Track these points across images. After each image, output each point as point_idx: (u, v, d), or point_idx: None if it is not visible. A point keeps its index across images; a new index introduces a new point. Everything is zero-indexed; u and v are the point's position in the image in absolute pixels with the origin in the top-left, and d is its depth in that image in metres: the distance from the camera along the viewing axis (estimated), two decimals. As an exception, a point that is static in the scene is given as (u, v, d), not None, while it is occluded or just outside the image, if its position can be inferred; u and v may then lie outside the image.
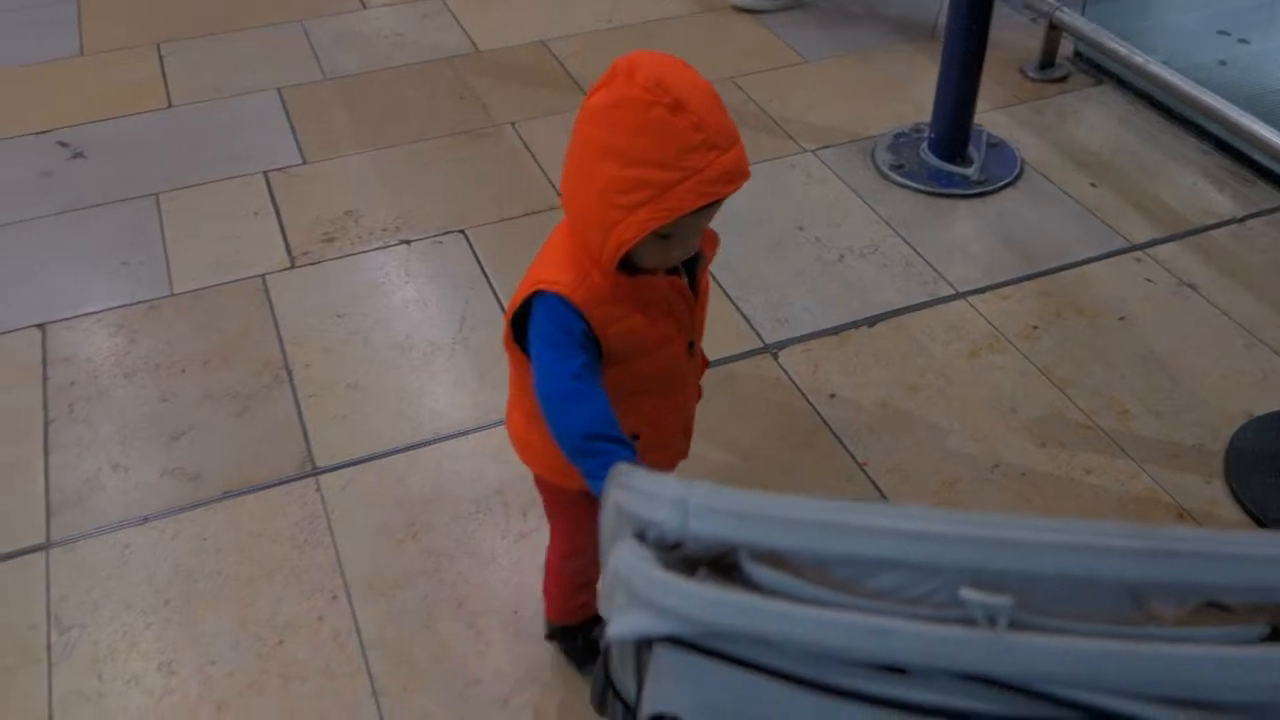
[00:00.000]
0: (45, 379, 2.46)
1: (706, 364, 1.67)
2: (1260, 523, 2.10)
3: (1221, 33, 3.59)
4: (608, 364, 1.43)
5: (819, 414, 2.35)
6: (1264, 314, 2.57)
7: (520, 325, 1.43)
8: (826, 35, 3.79)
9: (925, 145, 3.13)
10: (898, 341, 2.53)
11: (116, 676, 1.90)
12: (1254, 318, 2.56)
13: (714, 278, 2.67)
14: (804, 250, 2.80)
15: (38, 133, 3.32)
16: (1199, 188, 3.01)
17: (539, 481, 1.68)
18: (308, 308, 2.65)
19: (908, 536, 0.72)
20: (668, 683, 0.81)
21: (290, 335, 2.57)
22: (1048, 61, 3.52)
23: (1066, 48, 3.55)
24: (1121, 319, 2.57)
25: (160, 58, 3.69)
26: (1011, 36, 3.64)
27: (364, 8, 4.01)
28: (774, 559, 0.77)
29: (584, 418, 1.33)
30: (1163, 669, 0.68)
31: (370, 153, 3.22)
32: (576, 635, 1.88)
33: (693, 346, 1.54)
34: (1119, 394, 2.38)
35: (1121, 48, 3.26)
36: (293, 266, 2.79)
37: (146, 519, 2.16)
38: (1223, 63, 3.40)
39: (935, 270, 2.73)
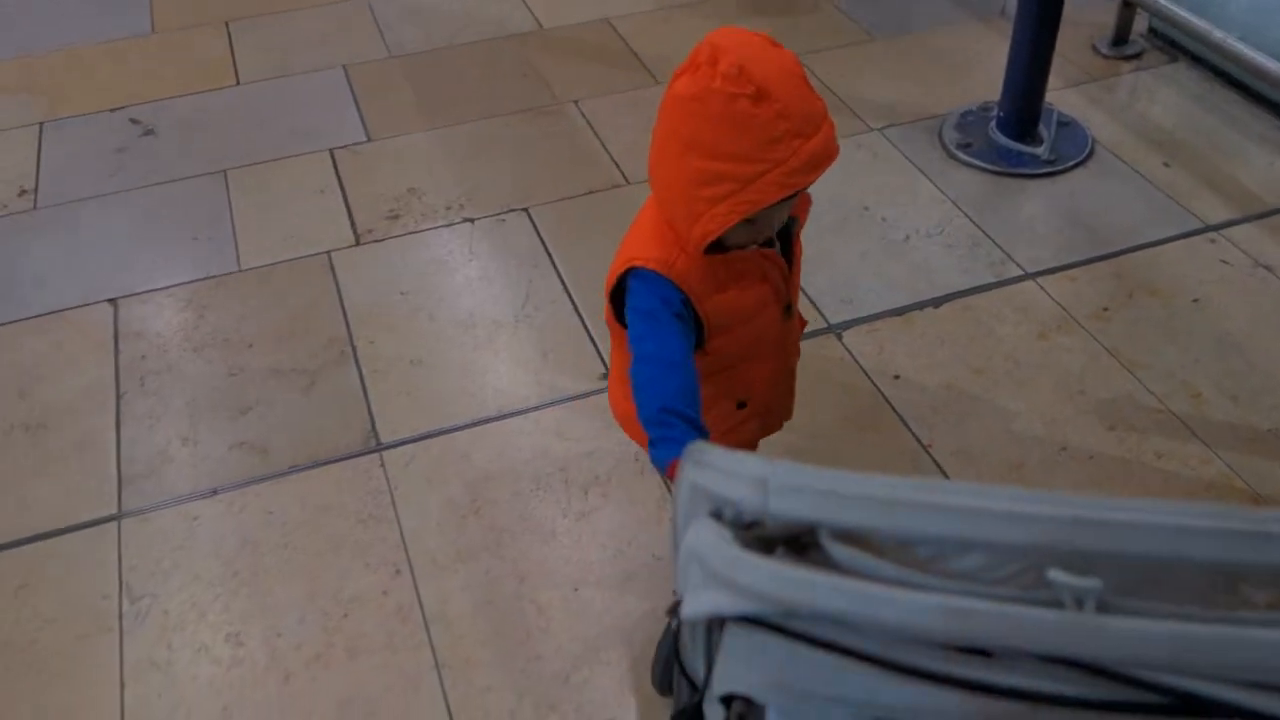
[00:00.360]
0: (117, 353, 2.51)
1: (804, 324, 1.68)
2: (1339, 510, 2.05)
3: (1302, 8, 3.49)
4: (708, 335, 1.44)
5: (883, 395, 2.33)
6: (1344, 297, 2.50)
7: (618, 302, 1.45)
8: (894, 12, 3.74)
9: (994, 124, 3.08)
10: (964, 323, 2.49)
11: (186, 646, 1.93)
12: (1333, 301, 2.50)
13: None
14: (870, 230, 2.77)
15: (111, 110, 3.37)
16: (1276, 167, 2.93)
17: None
18: (372, 284, 2.68)
19: (995, 516, 0.70)
20: (741, 663, 0.80)
21: (355, 312, 2.59)
22: (1121, 38, 3.44)
23: (1141, 23, 3.47)
24: (1195, 301, 2.52)
25: (229, 36, 3.73)
26: (1084, 12, 3.56)
27: (428, -14, 4.03)
28: (854, 538, 0.75)
29: (668, 391, 1.34)
30: (1255, 653, 0.66)
31: (434, 130, 3.23)
32: None
33: (789, 309, 1.55)
34: (1192, 377, 2.33)
35: (1198, 23, 3.18)
36: (357, 243, 2.81)
37: (215, 491, 2.19)
38: (1303, 39, 3.31)
39: (1003, 251, 2.69)
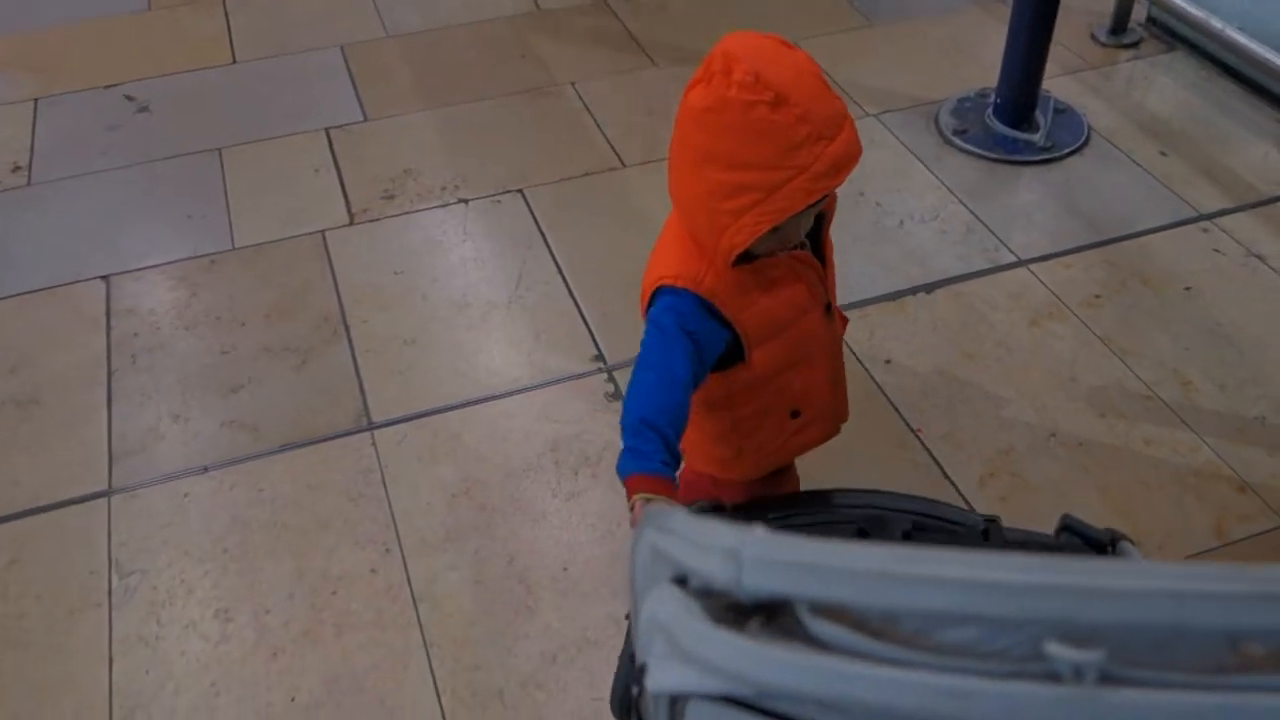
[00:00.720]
0: (109, 330, 2.51)
1: (846, 322, 1.64)
2: (1324, 499, 2.06)
3: (1302, -2, 3.48)
4: (749, 347, 1.41)
5: (874, 380, 2.33)
6: (1336, 287, 2.51)
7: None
8: (892, -3, 3.73)
9: (990, 110, 3.07)
10: (956, 309, 2.50)
11: (174, 621, 1.94)
12: (1325, 291, 2.50)
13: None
14: (864, 215, 2.77)
15: (105, 86, 3.37)
16: (1271, 157, 2.93)
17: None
18: (366, 264, 2.68)
19: (988, 588, 0.64)
20: None
21: (349, 291, 2.59)
22: (1119, 26, 3.44)
23: (1140, 12, 3.46)
24: (1187, 289, 2.52)
25: (226, 13, 3.72)
26: (1082, 0, 3.56)
27: (426, -34, 4.01)
28: (835, 612, 0.70)
29: (656, 404, 1.32)
30: None
31: (431, 111, 3.22)
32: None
33: (830, 309, 1.51)
34: (1182, 365, 2.33)
35: (1197, 12, 3.18)
36: (352, 223, 2.81)
37: (206, 469, 2.20)
38: (1302, 29, 3.30)
39: (997, 237, 2.69)
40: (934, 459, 2.17)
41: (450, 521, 2.08)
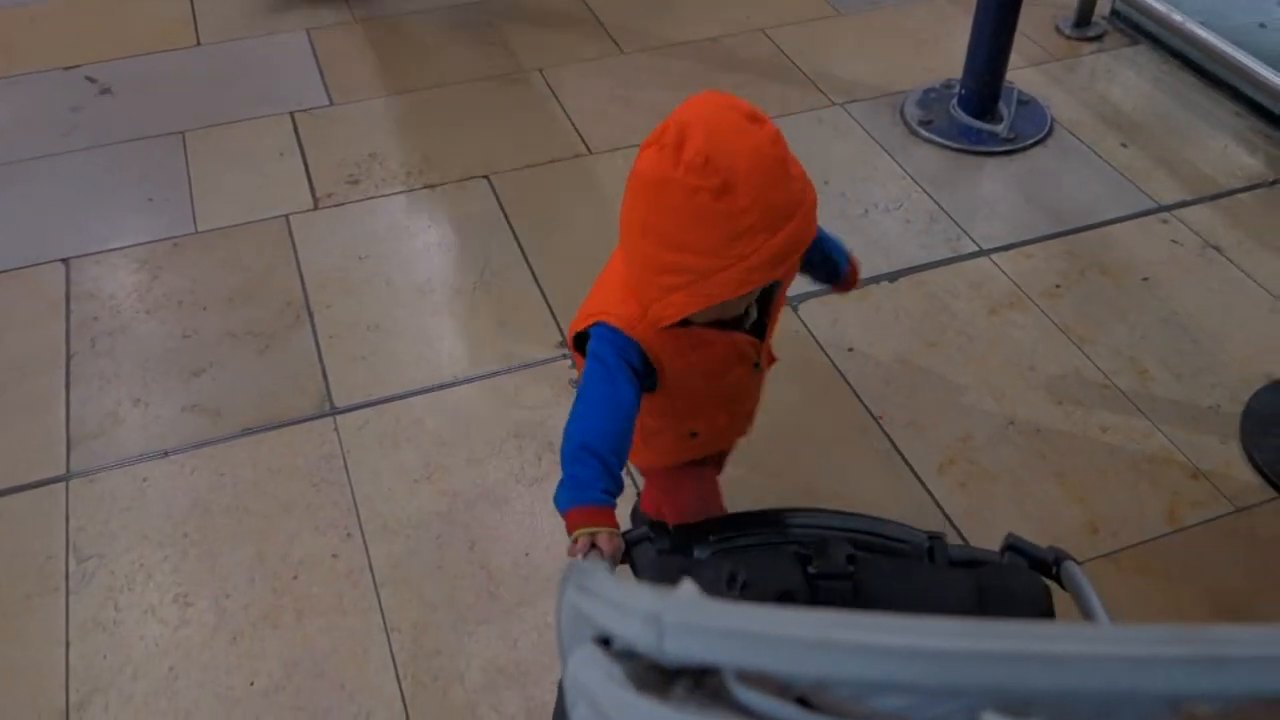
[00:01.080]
0: (68, 313, 2.49)
1: (774, 361, 1.59)
2: (1272, 483, 2.09)
3: (1262, -7, 3.52)
4: (666, 385, 1.39)
5: (836, 367, 2.34)
6: (1291, 279, 2.54)
7: (582, 343, 1.39)
8: (859, -13, 3.74)
9: (955, 101, 3.09)
10: (919, 297, 2.51)
11: (133, 606, 1.93)
12: (1279, 281, 2.54)
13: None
14: (829, 204, 2.78)
15: (66, 68, 3.33)
16: (1230, 150, 2.97)
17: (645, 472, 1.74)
18: (331, 249, 2.66)
19: (920, 656, 0.61)
20: None
21: (312, 276, 2.58)
22: (1083, 19, 3.46)
23: (1104, 5, 3.49)
24: (1145, 280, 2.55)
25: (189, -4, 3.69)
26: (1047, -8, 3.59)
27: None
28: (765, 679, 0.68)
29: (599, 431, 1.29)
30: None
31: (396, 96, 3.21)
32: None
33: (759, 365, 1.47)
34: (1139, 354, 2.36)
35: (1159, 6, 3.22)
36: (316, 208, 2.79)
37: (166, 453, 2.18)
38: (1262, 25, 3.34)
39: (960, 227, 2.71)
40: (894, 446, 2.18)
41: (412, 507, 2.08)
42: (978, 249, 2.64)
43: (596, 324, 1.34)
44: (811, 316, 2.45)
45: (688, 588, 0.69)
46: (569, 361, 2.34)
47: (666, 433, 1.53)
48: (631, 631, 0.68)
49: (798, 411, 2.24)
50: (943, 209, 2.77)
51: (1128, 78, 3.29)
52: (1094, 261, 2.60)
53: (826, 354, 2.37)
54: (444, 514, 2.07)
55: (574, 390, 2.18)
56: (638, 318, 1.29)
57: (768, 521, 1.41)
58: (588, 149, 2.96)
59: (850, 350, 2.38)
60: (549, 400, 2.26)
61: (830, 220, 2.71)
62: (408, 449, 2.18)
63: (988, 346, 2.39)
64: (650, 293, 1.24)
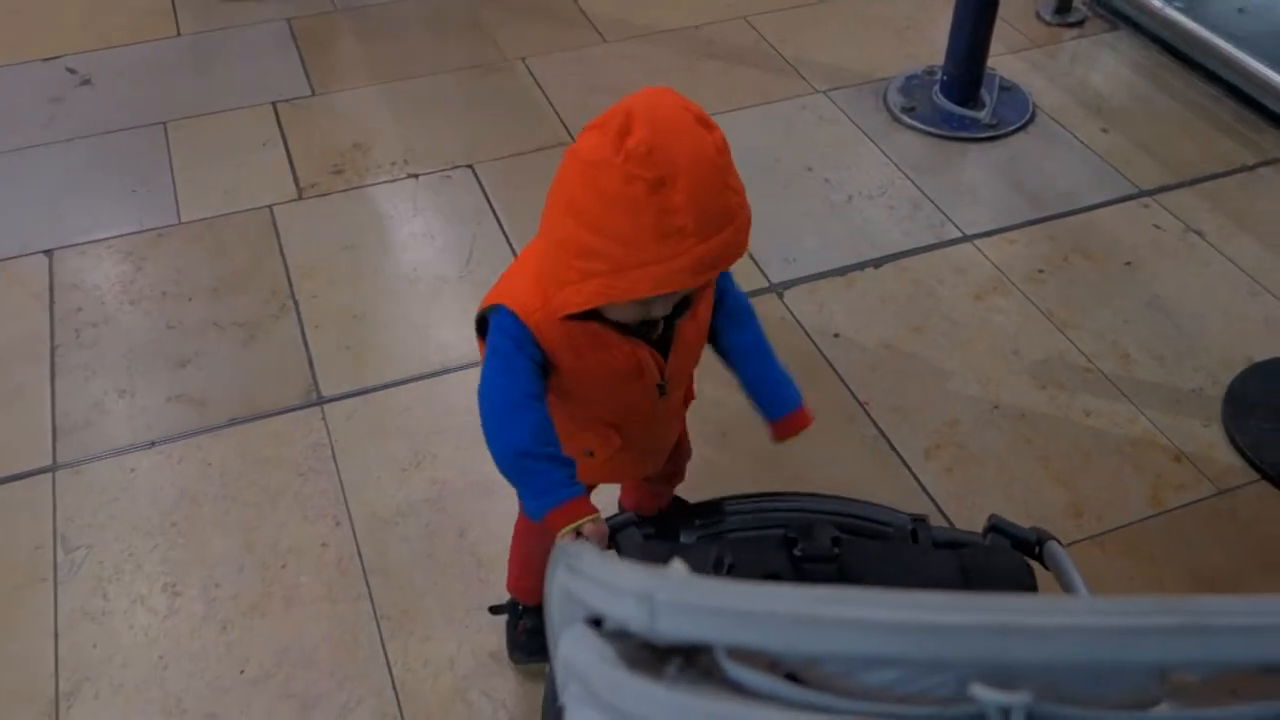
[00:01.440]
0: (52, 304, 2.48)
1: (692, 398, 1.53)
2: (1254, 465, 2.11)
3: (1241, -21, 3.54)
4: (563, 395, 1.35)
5: (822, 353, 2.35)
6: (1270, 261, 2.56)
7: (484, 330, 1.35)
8: (841, -25, 3.75)
9: (937, 88, 3.10)
10: (903, 283, 2.53)
11: (122, 596, 1.93)
12: (1260, 265, 2.55)
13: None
14: (813, 191, 2.79)
15: (46, 59, 3.31)
16: (1210, 135, 2.99)
17: None
18: (315, 239, 2.66)
19: (909, 629, 0.62)
20: None
21: (297, 266, 2.58)
22: (1064, 5, 3.47)
23: (1084, -9, 3.52)
24: (1128, 264, 2.57)
25: (169, -14, 3.67)
26: (1028, -21, 3.60)
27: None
28: (755, 655, 0.68)
29: (518, 435, 1.26)
30: None
31: (379, 85, 3.20)
32: (521, 617, 1.80)
33: (664, 388, 1.38)
34: (1122, 338, 2.38)
35: (1139, -9, 3.23)
36: (300, 198, 2.79)
37: (153, 444, 2.18)
38: (1241, 10, 3.36)
39: (943, 213, 2.72)
40: (880, 431, 2.20)
41: (401, 495, 2.08)
42: (961, 235, 2.66)
43: (495, 307, 1.30)
44: (798, 303, 2.46)
45: (678, 567, 0.69)
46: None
47: (570, 439, 1.43)
48: (624, 611, 0.68)
49: (784, 397, 2.25)
50: (926, 195, 2.78)
51: (1108, 64, 3.30)
52: (1076, 246, 2.62)
53: (812, 340, 2.38)
54: (433, 502, 2.07)
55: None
56: (537, 306, 1.25)
57: (752, 506, 1.42)
58: (571, 137, 2.93)
59: (836, 336, 2.39)
60: (536, 388, 2.27)
61: (814, 206, 2.73)
62: (396, 438, 2.19)
63: (972, 332, 2.40)
64: (564, 274, 1.19)
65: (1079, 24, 3.46)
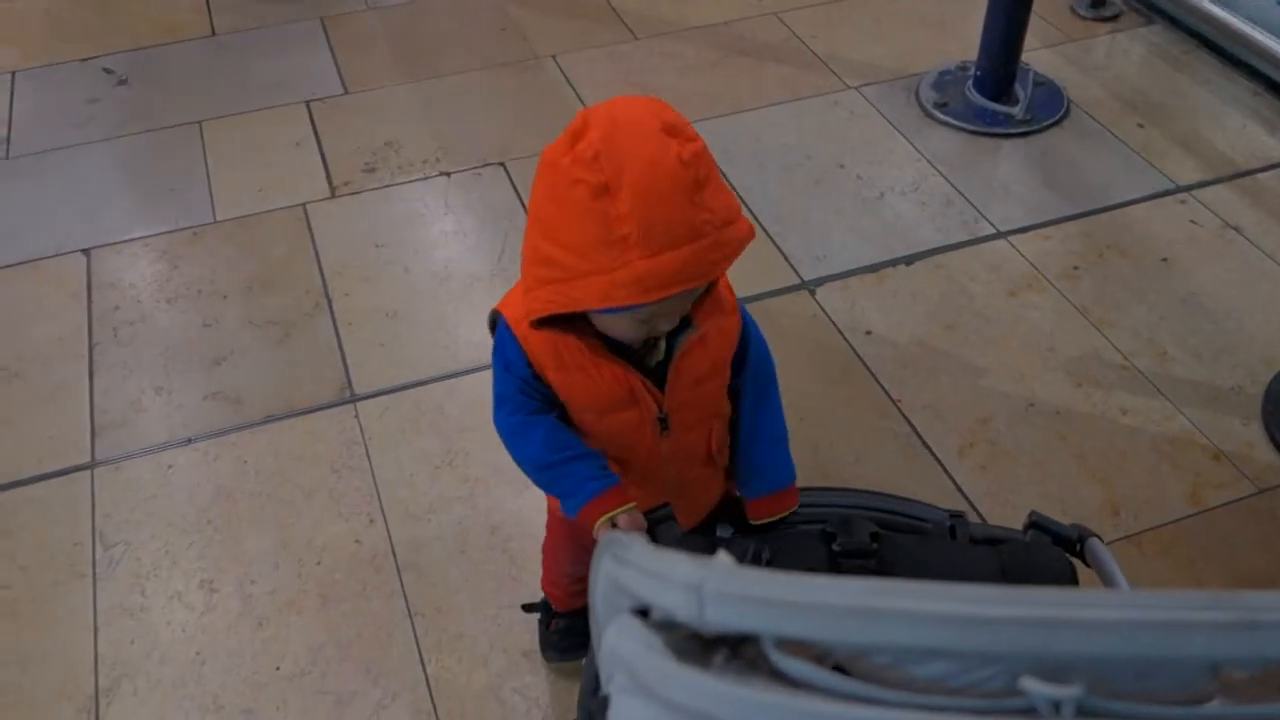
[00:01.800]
0: (90, 303, 2.50)
1: (724, 454, 1.41)
2: (1295, 464, 2.09)
3: (1279, -29, 3.50)
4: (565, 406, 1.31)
5: (855, 351, 2.35)
6: (1311, 258, 2.54)
7: None
8: (873, -30, 3.73)
9: (970, 83, 3.08)
10: (936, 280, 2.51)
11: (159, 592, 1.95)
12: (1300, 262, 2.53)
13: (752, 214, 2.66)
14: (845, 188, 2.78)
15: (83, 59, 3.34)
16: (1248, 130, 2.95)
17: None
18: (348, 237, 2.67)
19: (960, 622, 0.61)
20: None
21: (330, 264, 2.59)
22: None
23: (1119, -15, 3.48)
24: (1164, 261, 2.54)
25: (203, -14, 3.70)
26: (1062, -27, 3.57)
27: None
28: (801, 646, 0.68)
29: (532, 451, 1.27)
30: None
31: (411, 84, 3.22)
32: (554, 616, 1.79)
33: (666, 423, 1.30)
34: (1158, 335, 2.36)
35: (1175, -15, 3.20)
36: (333, 196, 2.80)
37: (190, 441, 2.20)
38: (1278, 3, 3.32)
39: (976, 209, 2.70)
40: (914, 429, 2.19)
41: (434, 492, 2.09)
42: (995, 231, 2.64)
43: (495, 315, 1.30)
44: (830, 300, 2.46)
45: (724, 558, 0.68)
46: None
47: None
48: (672, 601, 0.68)
49: (816, 395, 2.25)
50: (959, 191, 2.76)
51: (1144, 57, 3.27)
52: (1112, 243, 2.59)
53: (845, 337, 2.37)
54: (465, 499, 2.08)
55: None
56: (523, 315, 1.21)
57: None
58: (603, 135, 2.96)
59: (868, 334, 2.38)
60: (568, 386, 2.27)
61: (846, 203, 2.72)
62: (428, 435, 2.20)
63: (1006, 329, 2.39)
64: (528, 280, 1.17)
65: (1114, 18, 3.43)
